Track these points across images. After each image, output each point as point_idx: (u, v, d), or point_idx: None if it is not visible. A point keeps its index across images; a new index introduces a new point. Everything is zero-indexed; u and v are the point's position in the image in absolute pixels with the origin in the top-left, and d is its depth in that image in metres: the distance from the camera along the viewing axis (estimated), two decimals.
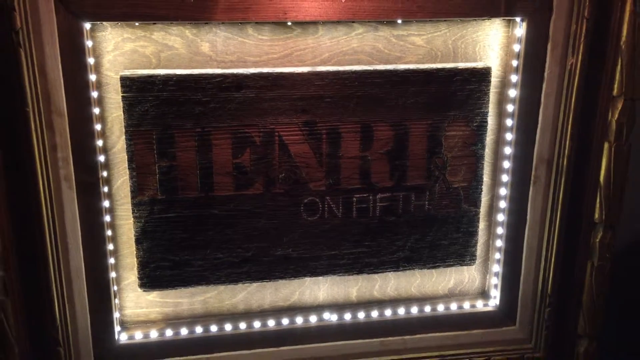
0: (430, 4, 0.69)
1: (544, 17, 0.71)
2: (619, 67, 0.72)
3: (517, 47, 0.74)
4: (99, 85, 0.68)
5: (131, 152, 0.70)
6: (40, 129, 0.64)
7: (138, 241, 0.73)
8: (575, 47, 0.71)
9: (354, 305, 0.83)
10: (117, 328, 0.75)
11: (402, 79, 0.73)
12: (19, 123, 0.63)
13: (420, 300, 0.84)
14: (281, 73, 0.70)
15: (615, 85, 0.73)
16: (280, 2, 0.66)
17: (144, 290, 0.75)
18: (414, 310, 0.83)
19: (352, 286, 0.82)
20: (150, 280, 0.74)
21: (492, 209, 0.81)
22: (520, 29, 0.73)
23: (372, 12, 0.67)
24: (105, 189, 0.71)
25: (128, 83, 0.67)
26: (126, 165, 0.71)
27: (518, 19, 0.72)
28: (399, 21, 0.71)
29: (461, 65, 0.74)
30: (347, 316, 0.81)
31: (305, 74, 0.71)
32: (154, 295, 0.77)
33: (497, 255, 0.82)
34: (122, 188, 0.72)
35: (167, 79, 0.68)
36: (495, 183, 0.80)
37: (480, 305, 0.84)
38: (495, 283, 0.83)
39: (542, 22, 0.72)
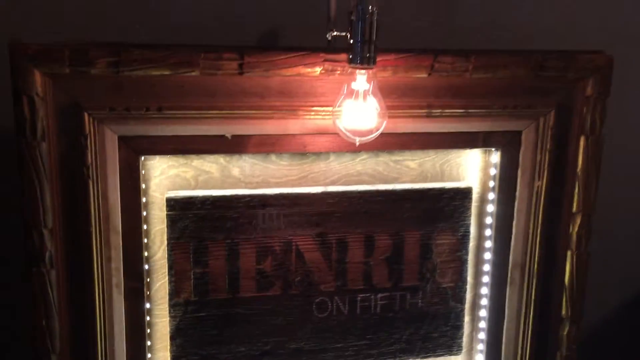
0: (423, 138, 0.85)
1: (515, 148, 0.88)
2: (576, 189, 0.89)
3: (493, 171, 0.90)
4: (146, 205, 0.81)
5: (171, 260, 0.83)
6: (99, 244, 0.77)
7: (172, 338, 0.85)
8: (541, 173, 0.88)
9: None
10: None
11: (399, 197, 0.88)
12: (83, 240, 0.76)
13: None
14: (299, 193, 0.85)
15: (574, 204, 0.89)
16: (301, 138, 0.81)
17: None
18: None
19: None
20: None
21: (475, 306, 0.95)
22: (496, 157, 0.89)
23: (376, 145, 0.82)
24: (147, 293, 0.83)
25: (172, 203, 0.81)
26: (164, 271, 0.84)
27: (493, 149, 0.89)
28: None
29: (447, 185, 0.90)
30: None
31: (318, 194, 0.86)
32: None
33: (480, 346, 0.96)
34: (159, 291, 0.85)
35: (205, 199, 0.82)
36: (478, 283, 0.94)
37: None
38: None
39: (513, 152, 0.88)
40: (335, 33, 0.71)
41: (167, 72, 0.73)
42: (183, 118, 0.76)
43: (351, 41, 0.69)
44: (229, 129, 0.79)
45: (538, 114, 0.87)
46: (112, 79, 0.72)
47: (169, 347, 0.86)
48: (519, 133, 0.88)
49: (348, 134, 0.72)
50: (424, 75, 0.80)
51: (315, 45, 0.78)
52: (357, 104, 0.71)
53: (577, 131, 0.87)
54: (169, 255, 0.83)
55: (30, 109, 0.70)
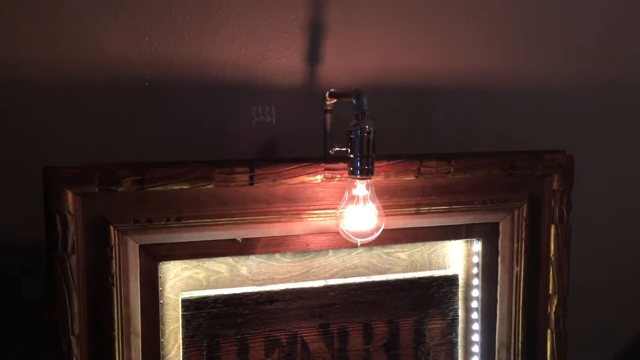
0: (412, 232, 0.95)
1: (494, 238, 0.99)
2: (551, 272, 1.00)
3: (475, 259, 1.00)
4: (162, 306, 0.88)
5: (186, 358, 0.89)
6: (121, 346, 0.83)
7: None
8: (518, 259, 0.99)
9: None
10: None
11: (393, 286, 0.97)
12: (106, 343, 0.82)
13: None
14: (302, 288, 0.93)
15: (550, 286, 1.00)
16: (304, 238, 0.90)
17: None
18: None
19: None
20: None
21: None
22: (477, 246, 1.00)
23: (372, 241, 0.92)
24: None
25: (187, 303, 0.89)
26: None
27: (475, 239, 1.00)
28: None
29: (436, 273, 1.00)
30: None
31: (321, 287, 0.94)
32: None
33: None
34: None
35: (217, 298, 0.90)
36: None
37: None
38: None
39: (493, 242, 0.99)
40: (336, 148, 0.83)
41: (186, 187, 0.82)
42: (199, 226, 0.85)
43: (351, 155, 0.80)
44: (239, 233, 0.87)
45: (512, 207, 0.98)
46: (136, 194, 0.81)
47: None
48: (497, 224, 0.99)
49: (351, 236, 0.82)
50: (412, 177, 0.91)
51: (313, 156, 0.89)
52: (358, 209, 0.82)
53: (547, 221, 0.99)
54: (184, 353, 0.89)
55: (62, 226, 0.78)
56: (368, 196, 0.81)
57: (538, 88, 1.18)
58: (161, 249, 0.85)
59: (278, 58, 1.00)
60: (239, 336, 0.91)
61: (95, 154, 0.93)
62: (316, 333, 0.94)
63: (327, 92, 0.90)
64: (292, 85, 1.00)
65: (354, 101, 0.80)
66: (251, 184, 0.85)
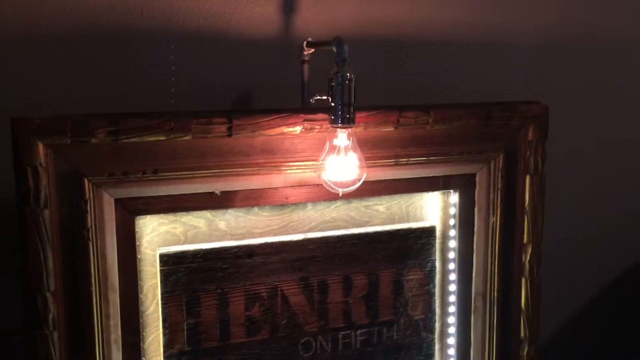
0: (391, 184, 0.95)
1: (471, 189, 1.00)
2: (526, 222, 1.02)
3: (452, 210, 1.02)
4: (139, 261, 0.87)
5: (165, 314, 0.88)
6: (98, 302, 0.82)
7: None
8: (494, 209, 1.00)
9: None
10: None
11: (372, 239, 0.98)
12: (83, 299, 0.81)
13: None
14: (282, 241, 0.93)
15: (525, 235, 1.02)
16: (283, 191, 0.90)
17: None
18: None
19: None
20: None
21: (443, 334, 1.05)
22: (454, 197, 1.01)
23: (351, 193, 0.92)
24: (142, 347, 0.88)
25: (165, 259, 0.87)
26: (157, 324, 0.89)
27: (452, 191, 1.01)
28: None
29: (414, 225, 1.01)
30: None
31: (300, 241, 0.94)
32: None
33: None
34: (152, 344, 0.90)
35: (196, 253, 0.89)
36: (444, 313, 1.05)
37: None
38: None
39: (469, 193, 1.00)
40: (317, 97, 0.81)
41: (162, 138, 0.80)
42: (176, 179, 0.83)
43: (332, 104, 0.79)
44: (217, 186, 0.86)
45: (489, 158, 0.99)
46: (111, 146, 0.79)
47: None
48: (474, 175, 1.00)
49: (332, 186, 0.82)
50: (392, 128, 0.91)
51: (293, 107, 0.88)
52: (339, 159, 0.81)
53: (522, 171, 1.01)
54: (163, 309, 0.88)
55: (34, 179, 0.75)
56: (349, 146, 0.81)
57: (511, 40, 1.19)
58: (137, 203, 0.83)
59: (252, 7, 0.98)
60: (219, 290, 0.90)
61: (64, 106, 0.90)
62: (296, 286, 0.94)
63: (305, 42, 0.89)
64: (267, 36, 0.98)
65: (334, 49, 0.79)
66: (229, 135, 0.84)
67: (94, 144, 0.78)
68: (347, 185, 0.81)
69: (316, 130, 0.87)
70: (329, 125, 0.81)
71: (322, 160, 0.82)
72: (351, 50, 0.84)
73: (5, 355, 0.99)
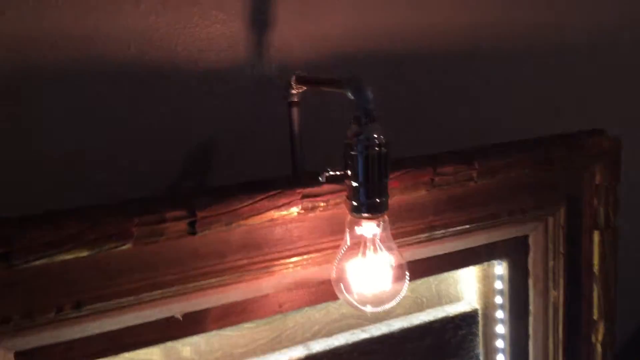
0: (422, 265, 0.69)
1: (522, 256, 0.75)
2: (595, 292, 0.77)
3: (498, 284, 0.76)
4: None
5: None
6: None
7: None
8: (556, 280, 0.75)
9: None
10: None
11: (397, 340, 0.71)
12: None
13: None
14: None
15: (595, 310, 0.77)
16: (275, 296, 0.62)
17: None
18: None
19: None
20: None
21: None
22: (500, 268, 0.75)
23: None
24: None
25: None
26: None
27: (497, 260, 0.75)
28: None
29: (450, 311, 0.75)
30: None
31: (302, 359, 0.66)
32: None
33: None
34: None
35: None
36: None
37: None
38: None
39: (521, 260, 0.75)
40: (329, 173, 0.53)
41: (84, 254, 0.51)
42: (114, 309, 0.54)
43: (353, 183, 0.51)
44: (178, 308, 0.58)
45: (546, 214, 0.74)
46: (3, 277, 0.49)
47: None
48: (526, 238, 0.74)
49: (357, 305, 0.54)
50: (424, 192, 0.64)
51: (280, 178, 0.60)
52: (364, 259, 0.53)
53: (589, 227, 0.76)
54: None
55: None
56: (378, 237, 0.53)
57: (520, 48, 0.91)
58: (53, 353, 0.54)
59: (208, 25, 0.67)
60: None
61: None
62: None
63: (293, 76, 0.60)
64: (231, 64, 0.68)
65: (349, 95, 0.50)
66: (193, 234, 0.55)
67: None
68: (381, 300, 0.54)
69: (320, 208, 0.59)
70: (349, 214, 0.53)
71: (339, 261, 0.54)
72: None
73: None
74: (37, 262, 0.50)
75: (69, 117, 0.63)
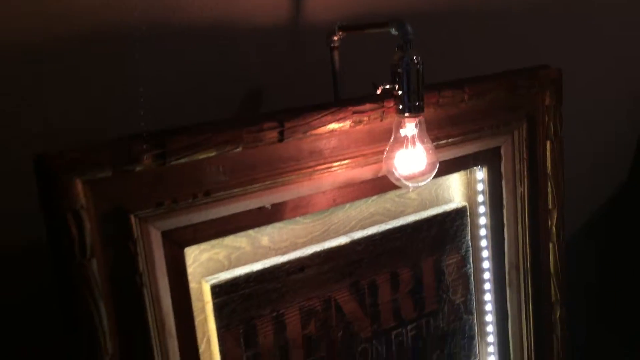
0: None
1: (497, 163, 0.98)
2: (549, 187, 1.02)
3: (480, 187, 1.00)
4: None
5: (224, 352, 0.79)
6: (159, 355, 0.71)
7: None
8: (522, 180, 1.00)
9: None
10: None
11: (413, 229, 0.93)
12: (144, 355, 0.69)
13: None
14: (330, 248, 0.86)
15: (550, 201, 1.03)
16: (331, 193, 0.83)
17: None
18: None
19: None
20: None
21: (480, 313, 1.04)
22: (481, 173, 0.99)
23: (392, 185, 0.86)
24: None
25: (217, 290, 0.77)
26: None
27: (477, 167, 0.98)
28: None
29: (448, 207, 0.98)
30: None
31: (347, 244, 0.88)
32: None
33: (491, 349, 1.06)
34: None
35: (248, 277, 0.79)
36: (479, 291, 1.03)
37: None
38: None
39: (496, 166, 0.99)
40: (384, 86, 0.74)
41: (212, 154, 0.70)
42: (227, 198, 0.73)
43: (399, 92, 0.73)
44: (268, 200, 0.77)
45: (513, 128, 0.98)
46: (156, 172, 0.67)
47: None
48: (499, 148, 0.98)
49: (403, 180, 0.76)
50: (432, 110, 0.86)
51: (328, 102, 0.80)
52: (408, 150, 0.75)
53: (543, 138, 1.01)
54: (221, 346, 0.78)
55: (77, 226, 0.62)
56: (416, 135, 0.75)
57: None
58: (186, 233, 0.72)
59: None
60: (274, 314, 0.82)
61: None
62: (348, 293, 0.88)
63: (336, 26, 0.81)
64: (276, 22, 0.88)
65: (393, 31, 0.72)
66: (280, 141, 0.75)
67: (138, 173, 0.66)
68: (420, 177, 0.76)
69: (364, 122, 0.81)
70: (396, 115, 0.75)
71: (389, 153, 0.76)
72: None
73: None
74: (182, 160, 0.68)
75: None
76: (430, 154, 0.76)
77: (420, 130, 0.75)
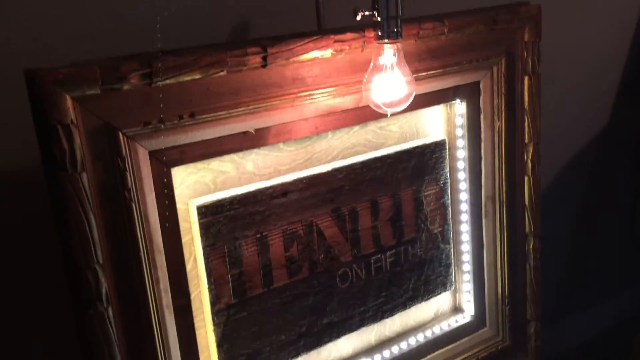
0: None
1: (476, 97, 1.01)
2: (526, 122, 1.06)
3: (459, 120, 1.03)
4: None
5: (209, 269, 0.83)
6: (148, 268, 0.75)
7: (219, 345, 0.86)
8: (499, 114, 1.03)
9: (375, 348, 1.04)
10: None
11: (394, 160, 0.97)
12: (133, 266, 0.73)
13: (419, 328, 1.08)
14: (313, 175, 0.89)
15: (526, 135, 1.06)
16: (313, 121, 0.86)
17: None
18: (420, 337, 1.07)
19: (370, 333, 1.03)
20: None
21: (457, 242, 1.09)
22: (461, 107, 1.02)
23: (372, 115, 0.89)
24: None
25: (203, 210, 0.81)
26: (196, 282, 0.84)
27: (457, 101, 1.02)
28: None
29: (427, 140, 1.01)
30: (377, 358, 1.02)
31: (330, 172, 0.91)
32: None
33: (466, 277, 1.11)
34: (194, 302, 0.84)
35: (232, 199, 0.83)
36: (457, 222, 1.08)
37: (460, 320, 1.11)
38: (467, 299, 1.11)
39: (475, 100, 1.02)
40: (363, 13, 0.76)
41: (198, 76, 0.72)
42: (212, 121, 0.76)
43: (378, 19, 0.75)
44: (252, 124, 0.80)
45: (492, 64, 1.01)
46: (143, 92, 0.70)
47: (213, 356, 0.86)
48: (478, 83, 1.01)
49: (382, 107, 0.79)
50: (412, 42, 0.89)
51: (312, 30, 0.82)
52: (386, 77, 0.78)
53: (521, 73, 1.03)
54: (206, 264, 0.82)
55: (67, 140, 0.65)
56: (395, 62, 0.78)
57: None
58: (173, 153, 0.76)
59: None
60: (258, 235, 0.86)
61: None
62: (329, 218, 0.92)
63: None
64: None
65: None
66: (264, 66, 0.77)
67: (125, 92, 0.69)
68: (398, 104, 0.79)
69: (345, 51, 0.83)
70: (375, 42, 0.77)
71: (367, 79, 0.79)
72: None
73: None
74: (168, 81, 0.71)
75: None
76: (408, 81, 0.79)
77: (398, 58, 0.78)
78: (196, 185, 0.82)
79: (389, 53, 0.77)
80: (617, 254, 1.81)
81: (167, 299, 0.78)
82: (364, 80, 0.80)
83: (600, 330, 1.80)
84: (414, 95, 0.81)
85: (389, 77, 0.78)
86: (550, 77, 1.06)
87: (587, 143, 1.60)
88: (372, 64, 0.79)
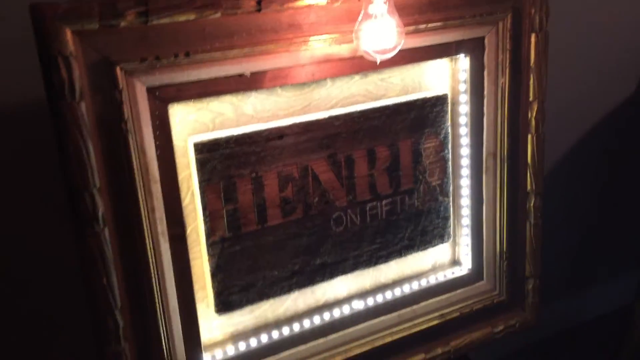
0: (409, 54, 0.95)
1: (480, 53, 1.02)
2: (531, 80, 1.06)
3: (463, 76, 1.04)
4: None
5: (204, 202, 0.88)
6: (143, 196, 0.80)
7: (213, 275, 0.91)
8: (503, 71, 1.03)
9: (369, 292, 1.07)
10: (203, 353, 0.92)
11: (392, 111, 0.99)
12: (129, 194, 0.79)
13: (415, 277, 1.11)
14: (309, 121, 0.93)
15: (531, 93, 1.06)
16: (310, 67, 0.89)
17: (220, 315, 0.93)
18: (415, 285, 1.10)
19: (365, 277, 1.07)
20: (224, 305, 0.93)
21: (457, 196, 1.11)
22: (464, 63, 1.03)
23: (371, 66, 0.92)
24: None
25: (199, 147, 0.86)
26: (193, 215, 0.89)
27: (461, 56, 1.02)
28: None
29: (428, 94, 1.02)
30: (370, 301, 1.06)
31: (326, 119, 0.94)
32: (220, 319, 0.95)
33: (465, 231, 1.12)
34: (191, 235, 0.90)
35: (228, 139, 0.87)
36: (457, 176, 1.09)
37: (457, 272, 1.14)
38: (465, 252, 1.14)
39: (479, 56, 1.02)
40: None
41: (192, 17, 0.76)
42: (207, 61, 0.80)
43: None
44: (247, 67, 0.84)
45: (497, 19, 1.01)
46: (140, 29, 0.74)
47: (208, 286, 0.92)
48: (483, 38, 1.01)
49: (372, 54, 0.81)
50: None
51: None
52: (376, 25, 0.80)
53: (528, 30, 1.03)
54: (202, 198, 0.87)
55: (67, 70, 0.70)
56: (386, 11, 0.80)
57: None
58: (169, 90, 0.80)
59: None
60: (253, 175, 0.90)
61: None
62: (325, 164, 0.95)
63: None
64: None
65: None
66: (258, 10, 0.80)
67: (123, 28, 0.73)
68: (387, 52, 0.81)
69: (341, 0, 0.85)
70: None
71: (358, 27, 0.81)
72: None
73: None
74: (163, 20, 0.75)
75: None
76: (397, 29, 0.81)
77: (389, 7, 0.80)
78: (195, 124, 0.87)
79: (379, 1, 0.79)
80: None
81: (162, 227, 0.83)
82: (354, 28, 0.83)
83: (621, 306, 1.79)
84: (402, 44, 0.83)
85: (378, 24, 0.80)
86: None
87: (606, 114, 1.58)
88: (362, 11, 0.81)
